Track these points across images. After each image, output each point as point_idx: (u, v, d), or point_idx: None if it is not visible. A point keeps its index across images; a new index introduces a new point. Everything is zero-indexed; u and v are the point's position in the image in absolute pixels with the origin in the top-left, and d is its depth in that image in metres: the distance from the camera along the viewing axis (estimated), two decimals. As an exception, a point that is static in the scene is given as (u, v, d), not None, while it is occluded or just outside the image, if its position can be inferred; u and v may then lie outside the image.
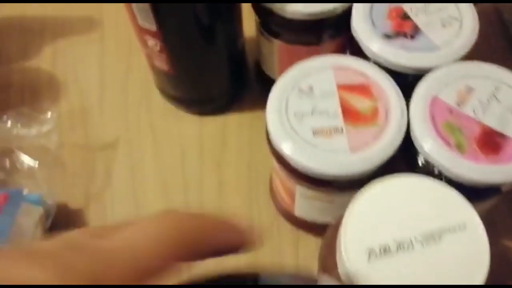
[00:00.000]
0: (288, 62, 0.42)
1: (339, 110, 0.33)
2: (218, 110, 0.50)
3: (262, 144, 0.37)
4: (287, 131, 0.32)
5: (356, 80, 0.35)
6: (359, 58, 0.36)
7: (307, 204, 0.38)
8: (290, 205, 0.40)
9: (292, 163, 0.32)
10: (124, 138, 0.50)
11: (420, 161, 0.33)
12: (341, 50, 0.44)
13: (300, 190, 0.36)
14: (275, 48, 0.43)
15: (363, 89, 0.34)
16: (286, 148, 0.32)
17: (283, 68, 0.45)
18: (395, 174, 0.30)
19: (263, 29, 0.43)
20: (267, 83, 0.47)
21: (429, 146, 0.32)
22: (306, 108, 0.33)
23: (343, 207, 0.37)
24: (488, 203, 0.35)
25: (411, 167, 0.34)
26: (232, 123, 0.50)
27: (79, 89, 0.53)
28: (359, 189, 0.33)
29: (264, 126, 0.34)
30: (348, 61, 0.36)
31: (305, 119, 0.33)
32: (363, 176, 0.32)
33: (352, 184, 0.33)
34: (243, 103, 0.51)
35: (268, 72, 0.48)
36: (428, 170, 0.33)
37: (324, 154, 0.32)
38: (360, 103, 0.34)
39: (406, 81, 0.35)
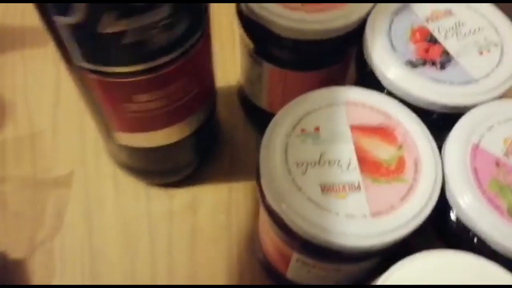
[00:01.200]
0: (281, 89, 0.34)
1: (355, 160, 0.26)
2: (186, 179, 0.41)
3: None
4: (287, 186, 0.25)
5: (375, 120, 0.27)
6: (374, 90, 0.29)
7: (304, 270, 0.30)
8: (281, 267, 0.32)
9: (293, 228, 0.25)
10: (80, 173, 0.41)
11: (453, 226, 0.26)
12: (341, 73, 0.36)
13: (299, 257, 0.28)
14: (265, 72, 0.35)
15: (384, 132, 0.27)
16: (286, 209, 0.24)
17: (273, 97, 0.38)
18: (428, 251, 0.23)
19: (255, 53, 0.35)
20: (255, 113, 0.39)
21: (471, 210, 0.24)
22: (312, 156, 0.26)
23: (350, 276, 0.29)
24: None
25: (440, 232, 0.27)
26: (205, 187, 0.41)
27: (29, 112, 0.45)
28: (375, 258, 0.26)
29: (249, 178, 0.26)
30: (364, 94, 0.28)
31: (311, 170, 0.25)
32: (385, 246, 0.24)
33: (368, 255, 0.25)
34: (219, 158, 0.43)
35: (255, 100, 0.40)
36: (466, 239, 0.25)
37: (336, 219, 0.24)
38: (381, 150, 0.26)
39: (430, 120, 0.28)
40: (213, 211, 0.39)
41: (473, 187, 0.25)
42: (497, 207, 0.24)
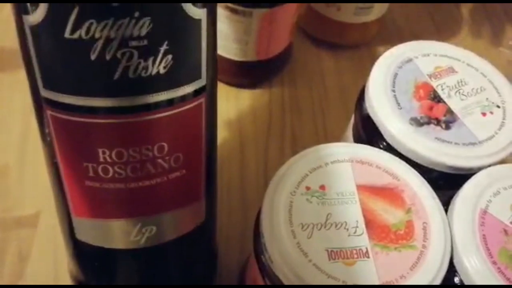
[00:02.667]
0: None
1: (362, 223, 0.24)
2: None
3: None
4: (292, 250, 0.23)
5: (382, 180, 0.26)
6: (379, 148, 0.27)
7: None
8: None
9: (296, 295, 0.23)
10: (47, 213, 0.38)
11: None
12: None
13: None
14: (254, 21, 0.34)
15: (392, 194, 0.25)
16: (290, 275, 0.22)
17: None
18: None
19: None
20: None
21: (481, 279, 0.23)
22: (318, 218, 0.24)
23: None
24: None
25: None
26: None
27: (-7, 144, 0.41)
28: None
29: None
30: (370, 152, 0.27)
31: (317, 233, 0.24)
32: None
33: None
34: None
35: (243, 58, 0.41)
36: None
37: (345, 289, 0.22)
38: (389, 213, 0.25)
39: (429, 179, 0.27)
40: None
41: (483, 255, 0.24)
42: (507, 279, 0.23)
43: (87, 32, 0.18)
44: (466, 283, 0.24)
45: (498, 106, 0.29)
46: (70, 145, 0.21)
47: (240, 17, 0.38)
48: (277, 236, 0.23)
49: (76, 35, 0.18)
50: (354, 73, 0.47)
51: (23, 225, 0.37)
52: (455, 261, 0.24)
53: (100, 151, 0.21)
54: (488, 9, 0.56)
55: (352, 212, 0.24)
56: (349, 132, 0.32)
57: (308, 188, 0.25)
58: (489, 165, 0.27)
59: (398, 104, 0.28)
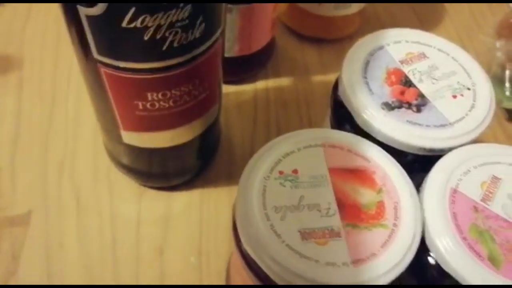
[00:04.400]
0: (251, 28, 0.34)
1: (334, 204, 0.25)
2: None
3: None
4: (266, 232, 0.24)
5: (354, 162, 0.26)
6: (351, 132, 0.28)
7: None
8: None
9: (271, 275, 0.23)
10: (39, 212, 0.39)
11: (433, 271, 0.25)
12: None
13: None
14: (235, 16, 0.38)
15: (363, 176, 0.26)
16: (264, 256, 0.23)
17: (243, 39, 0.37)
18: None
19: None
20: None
21: (455, 259, 0.24)
22: (291, 200, 0.25)
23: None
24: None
25: (419, 276, 0.26)
26: (195, 199, 0.40)
27: (-16, 146, 0.42)
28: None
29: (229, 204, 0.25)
30: (342, 137, 0.27)
31: (290, 215, 0.24)
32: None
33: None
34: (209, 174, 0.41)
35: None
36: (446, 285, 0.25)
37: (316, 267, 0.23)
38: (361, 194, 0.25)
39: (404, 162, 0.28)
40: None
41: (453, 232, 0.24)
42: (477, 254, 0.24)
43: (142, 22, 0.23)
44: (438, 260, 0.25)
45: (469, 89, 0.30)
46: (123, 92, 0.28)
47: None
48: (251, 219, 0.24)
49: (132, 25, 0.23)
50: (337, 66, 0.48)
51: (14, 224, 0.38)
52: (426, 239, 0.25)
53: (148, 94, 0.28)
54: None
55: (324, 194, 0.25)
56: (327, 121, 0.33)
57: (281, 173, 0.26)
58: (460, 146, 0.28)
59: (370, 90, 0.29)
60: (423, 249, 0.25)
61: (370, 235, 0.24)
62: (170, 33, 0.24)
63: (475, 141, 0.28)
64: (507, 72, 0.44)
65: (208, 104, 0.32)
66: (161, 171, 0.38)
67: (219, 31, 0.28)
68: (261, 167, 0.26)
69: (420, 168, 0.28)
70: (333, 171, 0.26)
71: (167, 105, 0.29)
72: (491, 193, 0.26)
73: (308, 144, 0.27)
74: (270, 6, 0.40)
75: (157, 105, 0.29)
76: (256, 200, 0.25)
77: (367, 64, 0.30)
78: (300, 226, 0.24)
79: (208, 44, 0.27)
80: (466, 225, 0.25)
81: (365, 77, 0.29)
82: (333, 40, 0.49)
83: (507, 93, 0.44)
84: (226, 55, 0.42)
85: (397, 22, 0.53)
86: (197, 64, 0.28)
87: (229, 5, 0.38)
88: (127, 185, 0.40)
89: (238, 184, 0.25)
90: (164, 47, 0.25)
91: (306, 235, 0.24)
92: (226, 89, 0.46)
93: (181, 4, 0.23)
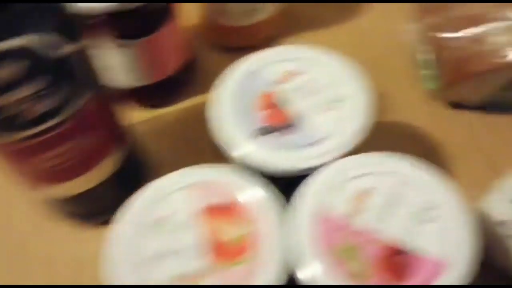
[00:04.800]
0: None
1: (206, 245, 0.26)
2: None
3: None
4: (138, 281, 0.25)
5: (225, 198, 0.27)
6: (226, 166, 0.29)
7: None
8: None
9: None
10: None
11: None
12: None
13: None
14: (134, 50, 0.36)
15: (233, 210, 0.27)
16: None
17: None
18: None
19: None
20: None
21: (323, 279, 0.25)
22: (164, 247, 0.26)
23: None
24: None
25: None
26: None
27: None
28: None
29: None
30: (214, 173, 0.28)
31: (163, 262, 0.26)
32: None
33: None
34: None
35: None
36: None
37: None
38: (231, 229, 0.26)
39: (281, 185, 0.28)
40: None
41: (321, 253, 0.25)
42: (346, 271, 0.25)
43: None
44: (309, 282, 0.25)
45: (344, 100, 0.30)
46: (10, 157, 0.30)
47: (123, 50, 0.39)
48: (120, 270, 0.25)
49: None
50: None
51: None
52: (295, 264, 0.26)
53: (32, 158, 0.29)
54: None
55: (195, 235, 0.26)
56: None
57: (152, 219, 0.27)
58: (332, 161, 0.28)
59: (241, 118, 0.30)
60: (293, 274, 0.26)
61: (235, 271, 0.25)
62: (28, 105, 0.25)
63: (350, 153, 0.29)
64: (425, 55, 0.44)
65: (103, 152, 0.34)
66: (87, 212, 0.39)
67: (87, 93, 0.29)
68: (131, 215, 0.27)
69: (295, 190, 0.29)
70: (205, 210, 0.27)
71: (58, 161, 0.31)
72: (360, 207, 0.27)
73: (177, 187, 0.28)
74: (169, 35, 0.41)
75: (49, 163, 0.30)
76: (126, 249, 0.26)
77: (239, 90, 0.31)
78: (171, 273, 0.25)
79: (75, 107, 0.28)
80: (333, 244, 0.26)
81: (237, 105, 0.30)
82: (255, 46, 0.49)
83: (427, 75, 0.44)
84: (142, 83, 0.43)
85: (317, 19, 0.53)
86: (70, 126, 0.29)
87: (125, 41, 0.39)
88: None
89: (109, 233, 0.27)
90: (25, 118, 0.26)
91: (179, 279, 0.25)
92: (153, 113, 0.47)
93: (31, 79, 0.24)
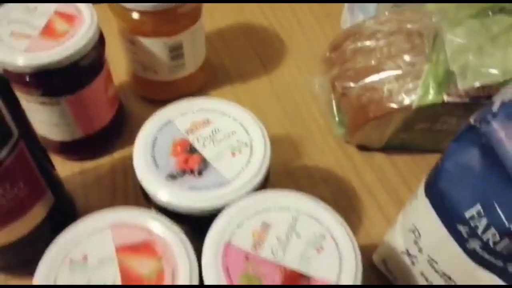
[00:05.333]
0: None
1: (119, 280, 0.28)
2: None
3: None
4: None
5: (138, 237, 0.30)
6: (140, 209, 0.32)
7: None
8: None
9: None
10: None
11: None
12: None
13: None
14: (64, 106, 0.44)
15: (145, 248, 0.29)
16: None
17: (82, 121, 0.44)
18: None
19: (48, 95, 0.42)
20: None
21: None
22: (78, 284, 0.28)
23: None
24: None
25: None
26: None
27: None
28: None
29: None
30: (128, 215, 0.31)
31: (78, 300, 0.27)
32: None
33: None
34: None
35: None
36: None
37: None
38: (143, 265, 0.29)
39: (197, 225, 0.31)
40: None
41: (224, 282, 0.28)
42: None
43: None
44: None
45: (247, 145, 0.34)
46: None
47: (50, 107, 0.42)
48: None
49: None
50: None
51: None
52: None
53: None
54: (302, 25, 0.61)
55: (110, 273, 0.28)
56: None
57: (71, 260, 0.29)
58: (238, 200, 0.31)
59: (156, 164, 0.33)
60: None
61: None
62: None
63: (251, 192, 0.32)
64: (333, 103, 0.49)
65: (32, 200, 0.36)
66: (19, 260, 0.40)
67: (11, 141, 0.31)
68: (51, 258, 0.29)
69: (207, 229, 0.31)
70: (119, 249, 0.29)
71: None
72: (261, 240, 0.30)
73: (96, 227, 0.30)
74: (99, 88, 0.44)
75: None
76: None
77: (155, 139, 0.34)
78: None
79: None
80: (236, 275, 0.28)
81: (153, 152, 0.33)
82: (179, 98, 0.53)
83: (336, 121, 0.49)
84: (72, 138, 0.45)
85: (241, 67, 0.57)
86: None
87: (55, 98, 0.41)
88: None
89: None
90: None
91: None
92: (84, 165, 0.49)
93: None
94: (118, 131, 0.50)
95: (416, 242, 0.35)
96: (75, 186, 0.47)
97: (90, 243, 0.30)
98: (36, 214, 0.37)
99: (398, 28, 0.45)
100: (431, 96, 0.42)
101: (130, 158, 0.49)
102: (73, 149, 0.47)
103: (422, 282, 0.36)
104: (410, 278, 0.37)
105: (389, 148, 0.49)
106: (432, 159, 0.48)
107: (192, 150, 0.34)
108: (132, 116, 0.53)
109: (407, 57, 0.43)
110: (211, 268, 0.29)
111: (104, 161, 0.50)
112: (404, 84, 0.43)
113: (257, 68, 0.57)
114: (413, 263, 0.37)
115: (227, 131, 0.35)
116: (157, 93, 0.52)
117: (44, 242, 0.40)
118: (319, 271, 0.29)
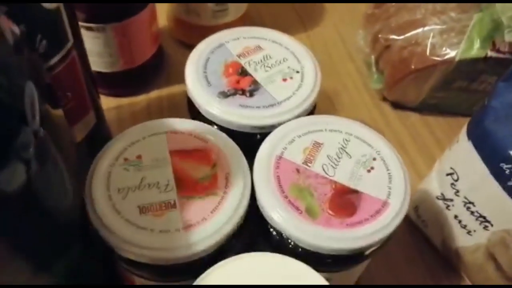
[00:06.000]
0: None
1: (172, 181, 0.29)
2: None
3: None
4: (107, 210, 0.27)
5: (193, 144, 0.30)
6: (196, 121, 0.32)
7: None
8: None
9: (115, 249, 0.27)
10: None
11: (273, 232, 0.29)
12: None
13: (138, 280, 0.30)
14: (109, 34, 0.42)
15: (200, 154, 0.30)
16: (106, 232, 0.27)
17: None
18: (239, 255, 0.26)
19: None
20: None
21: (277, 215, 0.28)
22: (133, 182, 0.28)
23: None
24: (356, 269, 0.32)
25: (266, 239, 0.30)
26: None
27: None
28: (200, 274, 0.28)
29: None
30: (184, 124, 0.31)
31: (131, 194, 0.28)
32: (203, 256, 0.27)
33: (191, 269, 0.28)
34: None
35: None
36: (283, 242, 0.29)
37: (150, 236, 0.26)
38: (198, 170, 0.29)
39: (254, 142, 0.32)
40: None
41: (275, 192, 0.28)
42: (296, 208, 0.28)
43: None
44: (264, 215, 0.28)
45: (298, 72, 0.34)
46: None
47: (96, 33, 0.42)
48: (95, 201, 0.28)
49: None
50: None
51: None
52: (259, 205, 0.29)
53: None
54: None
55: (164, 174, 0.29)
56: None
57: (126, 159, 0.29)
58: (288, 120, 0.32)
59: (208, 82, 0.33)
60: (259, 210, 0.29)
61: (202, 203, 0.28)
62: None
63: (303, 115, 0.33)
64: (372, 58, 0.49)
65: (77, 115, 0.36)
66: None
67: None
68: (107, 156, 0.29)
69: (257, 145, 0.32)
70: (174, 153, 0.30)
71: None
72: (312, 156, 0.30)
73: (153, 132, 0.31)
74: (145, 21, 0.44)
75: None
76: (100, 184, 0.28)
77: (207, 60, 0.34)
78: (139, 203, 0.28)
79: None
80: (287, 185, 0.29)
81: (205, 72, 0.34)
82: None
83: (374, 76, 0.49)
84: (111, 70, 0.46)
85: (280, 23, 0.57)
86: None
87: (102, 24, 0.42)
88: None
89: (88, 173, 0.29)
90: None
91: (144, 209, 0.27)
92: (120, 101, 0.49)
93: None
94: (156, 70, 0.51)
95: (453, 185, 0.36)
96: (110, 120, 0.48)
97: (145, 144, 0.30)
98: (77, 133, 0.37)
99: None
100: (475, 50, 0.42)
101: (166, 99, 0.50)
102: (111, 82, 0.48)
103: (455, 225, 0.37)
104: (443, 222, 0.38)
105: (423, 108, 0.49)
106: (464, 122, 0.49)
107: (243, 72, 0.34)
108: (168, 59, 0.53)
109: (452, 14, 0.44)
110: (262, 176, 0.29)
111: (140, 99, 0.50)
112: (448, 38, 0.43)
113: (295, 24, 0.58)
114: (447, 206, 0.37)
115: (279, 58, 0.35)
116: (195, 37, 0.52)
117: (79, 165, 0.41)
118: (370, 189, 0.29)
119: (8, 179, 0.18)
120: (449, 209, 0.37)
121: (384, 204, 0.28)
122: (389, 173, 0.30)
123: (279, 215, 0.28)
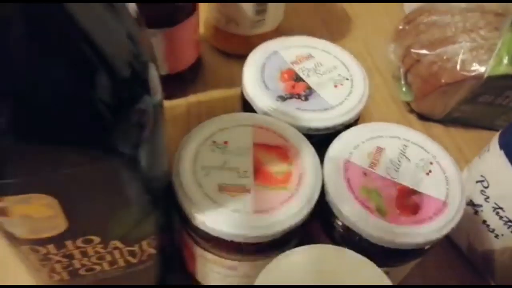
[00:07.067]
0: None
1: (251, 169, 0.31)
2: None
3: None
4: (190, 182, 0.30)
5: (275, 141, 0.33)
6: (281, 121, 0.35)
7: (208, 268, 0.34)
8: (192, 266, 0.35)
9: (188, 215, 0.29)
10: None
11: (338, 227, 0.32)
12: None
13: (200, 252, 0.32)
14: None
15: (280, 151, 0.32)
16: (186, 201, 0.29)
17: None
18: (306, 245, 0.28)
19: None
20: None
21: (349, 212, 0.30)
22: (217, 162, 0.31)
23: (248, 277, 0.34)
24: (409, 266, 0.34)
25: (328, 233, 0.33)
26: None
27: None
28: (265, 257, 0.30)
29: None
30: (269, 120, 0.34)
31: (213, 173, 0.30)
32: (266, 241, 0.29)
33: (254, 251, 0.30)
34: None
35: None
36: (347, 236, 0.31)
37: (223, 212, 0.29)
38: (274, 165, 0.31)
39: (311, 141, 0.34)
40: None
41: (348, 193, 0.31)
42: (367, 207, 0.30)
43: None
44: (337, 215, 0.31)
45: (347, 79, 0.37)
46: None
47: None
48: (181, 173, 0.30)
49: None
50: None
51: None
52: (327, 201, 0.31)
53: None
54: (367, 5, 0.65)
55: (245, 161, 0.31)
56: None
57: (214, 142, 0.32)
58: (342, 123, 0.34)
59: (266, 86, 0.36)
60: (326, 209, 0.31)
61: (274, 194, 0.30)
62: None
63: (354, 119, 0.35)
64: (401, 71, 0.52)
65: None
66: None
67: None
68: (197, 136, 0.32)
69: (324, 146, 0.34)
70: (257, 145, 0.32)
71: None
72: (376, 160, 0.33)
73: (241, 123, 0.33)
74: (191, 28, 0.47)
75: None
76: (188, 160, 0.31)
77: (263, 66, 0.37)
78: (219, 181, 0.30)
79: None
80: (357, 187, 0.31)
81: (263, 77, 0.36)
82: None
83: (403, 88, 0.52)
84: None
85: (310, 35, 0.60)
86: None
87: (153, 29, 0.44)
88: None
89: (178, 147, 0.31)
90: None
91: (222, 188, 0.30)
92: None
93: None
94: (195, 76, 0.53)
95: (483, 192, 0.38)
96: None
97: (233, 132, 0.33)
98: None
99: (475, 6, 0.48)
100: (503, 67, 0.45)
101: (204, 104, 0.53)
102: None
103: (483, 230, 0.39)
104: (471, 226, 0.40)
105: (447, 120, 0.52)
106: (486, 135, 0.51)
107: (298, 78, 0.37)
108: (205, 66, 0.56)
109: (482, 32, 0.47)
110: (334, 178, 0.31)
111: (179, 103, 0.52)
112: (477, 55, 0.46)
113: (324, 38, 0.60)
114: (476, 212, 0.39)
115: (329, 66, 0.38)
116: (233, 46, 0.55)
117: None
118: (430, 190, 0.32)
119: (125, 136, 0.21)
120: (477, 214, 0.39)
121: (444, 204, 0.31)
122: (445, 176, 0.32)
123: (351, 211, 0.30)
